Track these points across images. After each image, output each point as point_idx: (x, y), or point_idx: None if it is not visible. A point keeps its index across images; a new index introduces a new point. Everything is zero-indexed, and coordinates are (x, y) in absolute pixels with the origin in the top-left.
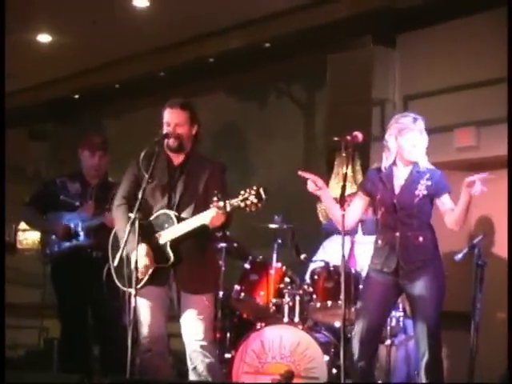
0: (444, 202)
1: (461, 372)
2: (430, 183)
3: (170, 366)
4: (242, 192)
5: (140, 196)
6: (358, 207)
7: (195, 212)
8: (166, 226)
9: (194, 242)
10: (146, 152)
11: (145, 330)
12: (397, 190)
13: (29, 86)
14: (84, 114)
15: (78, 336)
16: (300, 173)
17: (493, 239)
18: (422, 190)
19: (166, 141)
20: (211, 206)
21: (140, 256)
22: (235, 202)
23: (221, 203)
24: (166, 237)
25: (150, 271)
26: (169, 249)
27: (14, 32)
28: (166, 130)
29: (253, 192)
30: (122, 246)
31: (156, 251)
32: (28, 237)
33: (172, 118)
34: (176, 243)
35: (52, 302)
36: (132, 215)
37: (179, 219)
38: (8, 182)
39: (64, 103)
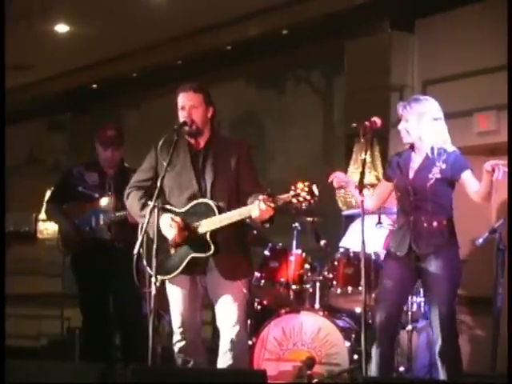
0: (465, 180)
1: (484, 357)
2: (444, 166)
3: (203, 355)
4: (293, 187)
5: (159, 184)
6: (379, 192)
7: (230, 199)
8: (206, 215)
9: (232, 231)
10: (164, 140)
11: (178, 318)
12: (411, 175)
13: (47, 76)
14: (102, 104)
15: (100, 326)
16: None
17: None
18: (435, 173)
19: (184, 128)
20: (261, 200)
21: (165, 228)
22: (287, 197)
23: (271, 198)
24: (206, 226)
25: (187, 259)
26: (209, 238)
27: (32, 22)
28: (181, 114)
29: (306, 188)
30: (140, 232)
31: (194, 240)
32: (48, 227)
33: (186, 101)
34: (215, 233)
35: (72, 291)
36: (151, 203)
37: (219, 209)
38: (28, 173)
39: (82, 93)
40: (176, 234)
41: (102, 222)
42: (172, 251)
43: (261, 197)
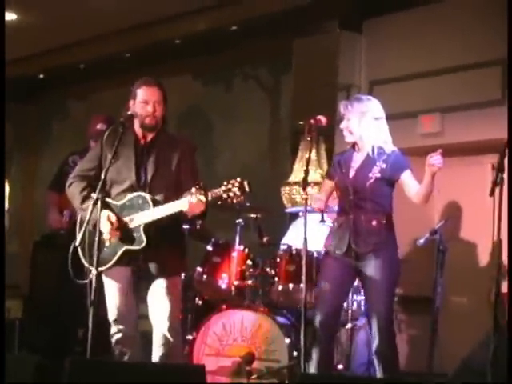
0: (404, 179)
1: (423, 356)
2: (384, 166)
3: (139, 348)
4: (225, 183)
5: (103, 176)
6: (323, 190)
7: (168, 194)
8: (141, 208)
9: (166, 226)
10: (109, 132)
11: (114, 311)
12: (351, 174)
13: None
14: (49, 95)
15: (46, 317)
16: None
17: (456, 224)
18: (375, 172)
19: (141, 120)
20: (192, 193)
21: (102, 222)
22: (218, 191)
23: (202, 192)
24: (139, 219)
25: (120, 252)
26: (142, 232)
27: None
28: (141, 107)
29: (236, 184)
30: (84, 225)
31: (128, 233)
32: None
33: (150, 96)
34: (149, 226)
35: (13, 282)
36: (94, 195)
37: (155, 202)
38: None
39: (29, 83)
40: (111, 229)
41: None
42: (107, 243)
43: (192, 190)
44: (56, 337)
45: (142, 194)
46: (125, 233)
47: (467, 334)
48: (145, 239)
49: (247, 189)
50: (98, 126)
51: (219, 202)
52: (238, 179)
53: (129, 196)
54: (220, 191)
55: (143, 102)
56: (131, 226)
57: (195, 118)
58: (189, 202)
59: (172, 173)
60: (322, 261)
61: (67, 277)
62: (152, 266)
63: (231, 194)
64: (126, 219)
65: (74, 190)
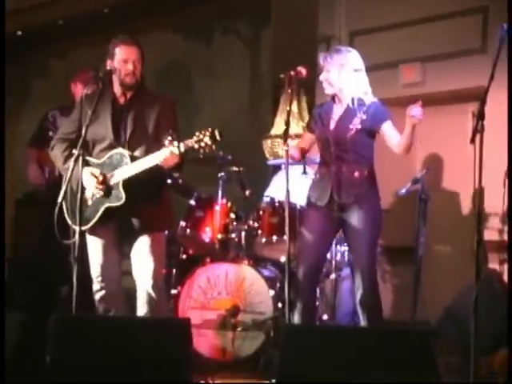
0: (385, 130)
1: (406, 305)
2: (364, 117)
3: (123, 305)
4: (197, 133)
5: (83, 133)
6: (304, 142)
7: (147, 150)
8: (120, 165)
9: (146, 181)
10: (88, 89)
11: (97, 268)
12: (332, 126)
13: None
14: (27, 52)
15: (30, 277)
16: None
17: (438, 174)
18: (356, 124)
19: (120, 78)
20: (165, 145)
21: (85, 180)
22: (189, 142)
23: (175, 143)
24: (118, 176)
25: (102, 209)
26: (121, 188)
27: None
28: (122, 66)
29: (207, 133)
30: (65, 182)
31: (108, 190)
32: None
33: (130, 54)
34: (128, 182)
35: None
36: (76, 151)
37: (133, 158)
38: None
39: (6, 41)
40: (94, 186)
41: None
42: (89, 202)
43: (165, 142)
44: (40, 295)
45: (121, 150)
46: (106, 190)
47: (450, 282)
48: (123, 195)
49: (218, 138)
50: (91, 72)
51: (199, 153)
52: (209, 129)
53: (108, 153)
54: (192, 141)
55: (123, 60)
56: (111, 182)
57: (175, 74)
58: (163, 155)
59: (151, 128)
60: (303, 212)
61: (50, 235)
62: (135, 222)
63: (203, 144)
64: (108, 176)
65: (56, 152)
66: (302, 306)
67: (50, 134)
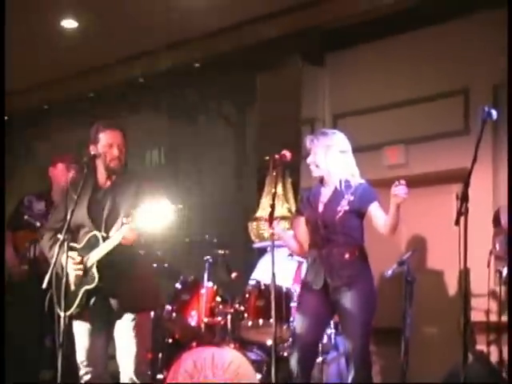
0: (372, 211)
1: None
2: (352, 198)
3: None
4: (144, 207)
5: (68, 217)
6: (298, 227)
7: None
8: (94, 246)
9: (118, 260)
10: (73, 175)
11: (82, 353)
12: (320, 208)
13: None
14: (12, 135)
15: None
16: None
17: (423, 255)
18: (344, 205)
19: (105, 163)
20: (122, 223)
21: (69, 264)
22: (142, 215)
23: (129, 219)
24: (92, 258)
25: (81, 293)
26: (94, 269)
27: None
28: (107, 151)
29: (151, 207)
30: (50, 268)
31: (86, 274)
32: None
33: (115, 139)
34: (101, 263)
35: None
36: (60, 236)
37: (105, 239)
38: None
39: None
40: (74, 268)
41: (37, 254)
42: (72, 287)
43: (123, 220)
44: (20, 380)
45: (96, 232)
46: (84, 273)
47: (438, 363)
48: (97, 277)
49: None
50: (67, 156)
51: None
52: (162, 202)
53: (87, 237)
54: (145, 216)
55: (108, 145)
56: (88, 265)
57: (160, 155)
58: (121, 233)
59: (126, 207)
60: (299, 295)
61: (27, 319)
62: (116, 303)
63: (159, 213)
64: (84, 260)
65: (43, 243)
66: None
67: (26, 217)
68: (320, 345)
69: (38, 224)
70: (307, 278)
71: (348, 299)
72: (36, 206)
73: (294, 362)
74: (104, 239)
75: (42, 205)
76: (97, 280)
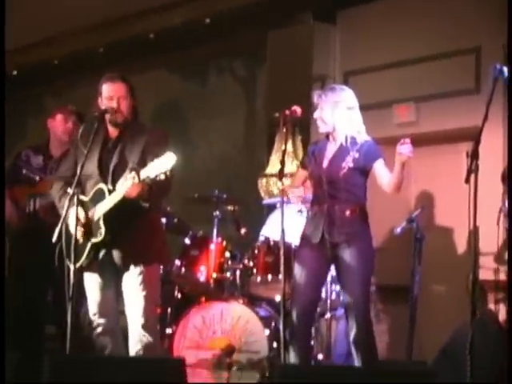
0: (377, 169)
1: (402, 345)
2: (357, 155)
3: (120, 343)
4: (152, 162)
5: (78, 172)
6: (297, 178)
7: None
8: (100, 200)
9: (125, 215)
10: (84, 127)
11: (94, 306)
12: (325, 164)
13: None
14: (23, 92)
15: (30, 313)
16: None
17: (432, 213)
18: (348, 162)
19: (107, 115)
20: (126, 177)
21: (72, 220)
22: (147, 170)
23: (133, 173)
24: (98, 211)
25: (88, 246)
26: (101, 223)
27: None
28: (107, 104)
29: (162, 159)
30: (60, 221)
31: (92, 227)
32: None
33: (115, 91)
34: (108, 216)
35: None
36: (70, 190)
37: (111, 192)
38: None
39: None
40: (78, 225)
41: (37, 207)
42: (80, 240)
43: (128, 173)
44: (29, 334)
45: (102, 185)
46: (90, 227)
47: (446, 321)
48: (103, 230)
49: (173, 162)
50: (69, 108)
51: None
52: (164, 154)
53: (93, 190)
54: (149, 169)
55: (108, 98)
56: (94, 218)
57: (171, 113)
58: (125, 186)
59: (135, 160)
60: (297, 251)
61: (32, 271)
62: (119, 257)
63: (162, 170)
64: (90, 213)
65: (54, 190)
66: (297, 345)
67: (24, 172)
68: (328, 301)
69: (38, 178)
70: (306, 231)
71: (346, 256)
72: (34, 160)
73: (294, 317)
74: (110, 192)
75: (40, 159)
76: (104, 233)
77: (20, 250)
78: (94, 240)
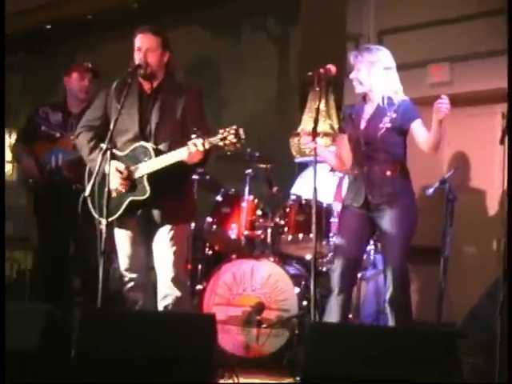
0: (415, 129)
1: (431, 306)
2: (394, 115)
3: (151, 298)
4: (221, 131)
5: (111, 126)
6: (343, 146)
7: (173, 143)
8: (144, 158)
9: (171, 176)
10: (117, 82)
11: (125, 260)
12: (362, 125)
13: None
14: (56, 46)
15: (56, 268)
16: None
17: (465, 174)
18: (386, 122)
19: (138, 70)
20: (189, 142)
21: (111, 174)
22: (213, 140)
23: (199, 141)
24: (142, 170)
25: (126, 202)
26: (146, 182)
27: None
28: (137, 56)
29: (232, 131)
30: (94, 175)
31: (133, 184)
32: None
33: (143, 43)
34: (153, 176)
35: (24, 234)
36: (103, 145)
37: (157, 152)
38: None
39: (35, 34)
40: (119, 182)
41: (60, 163)
42: (113, 194)
43: (192, 139)
44: (59, 288)
45: (144, 143)
46: (130, 184)
47: (476, 283)
48: (148, 189)
49: (243, 136)
50: (85, 64)
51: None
52: (234, 127)
53: (132, 146)
54: (216, 139)
55: (137, 49)
56: (135, 176)
57: (204, 69)
58: (187, 152)
59: (177, 120)
60: (340, 214)
61: (58, 226)
62: (158, 215)
63: (227, 142)
64: (131, 169)
65: (82, 141)
66: (339, 306)
67: (43, 128)
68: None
69: (58, 135)
70: (348, 195)
71: (389, 217)
72: (52, 117)
73: (335, 277)
74: (156, 152)
75: (59, 116)
76: (149, 192)
77: (44, 204)
78: (135, 198)
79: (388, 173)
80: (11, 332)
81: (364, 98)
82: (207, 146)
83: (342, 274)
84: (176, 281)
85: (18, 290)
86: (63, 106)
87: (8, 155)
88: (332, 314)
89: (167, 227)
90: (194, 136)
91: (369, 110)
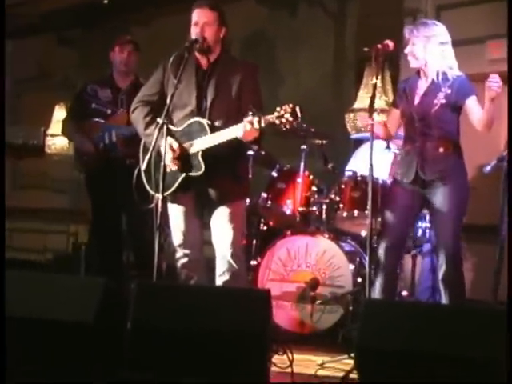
0: (469, 106)
1: (487, 284)
2: (449, 91)
3: (205, 272)
4: (278, 109)
5: (168, 101)
6: (391, 119)
7: (228, 119)
8: (199, 134)
9: (226, 153)
10: (174, 57)
11: (179, 235)
12: (416, 101)
13: None
14: (112, 20)
15: (111, 243)
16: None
17: None
18: (440, 98)
19: (195, 45)
20: (245, 120)
21: (168, 152)
22: (270, 118)
23: (255, 118)
24: (198, 146)
25: (181, 178)
26: (200, 158)
27: None
28: (193, 30)
29: (289, 110)
30: (150, 150)
31: (187, 160)
32: (56, 142)
33: (200, 18)
34: (208, 152)
35: (80, 208)
36: (160, 120)
37: (212, 128)
38: (37, 87)
39: (92, 8)
40: (172, 157)
41: (114, 139)
42: (168, 169)
43: (249, 117)
44: (113, 261)
45: (200, 119)
46: (184, 159)
47: None
48: (203, 166)
49: (299, 114)
50: (127, 37)
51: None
52: (291, 105)
53: (188, 121)
54: (273, 117)
55: (194, 24)
56: (190, 152)
57: (259, 45)
58: (243, 129)
59: (233, 97)
60: (389, 189)
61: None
62: (213, 192)
63: (284, 120)
64: (186, 145)
65: (137, 116)
66: (383, 281)
67: (93, 105)
68: (414, 238)
69: (109, 111)
70: (399, 170)
71: (440, 194)
72: (101, 93)
73: (381, 252)
74: (211, 128)
75: (108, 92)
76: (203, 168)
77: (98, 180)
78: (189, 173)
79: (441, 149)
80: (68, 304)
81: (418, 72)
82: (263, 124)
83: (388, 249)
84: (235, 257)
85: (75, 264)
86: (111, 81)
87: (58, 128)
88: (377, 291)
89: (224, 204)
90: (250, 113)
91: (423, 86)
